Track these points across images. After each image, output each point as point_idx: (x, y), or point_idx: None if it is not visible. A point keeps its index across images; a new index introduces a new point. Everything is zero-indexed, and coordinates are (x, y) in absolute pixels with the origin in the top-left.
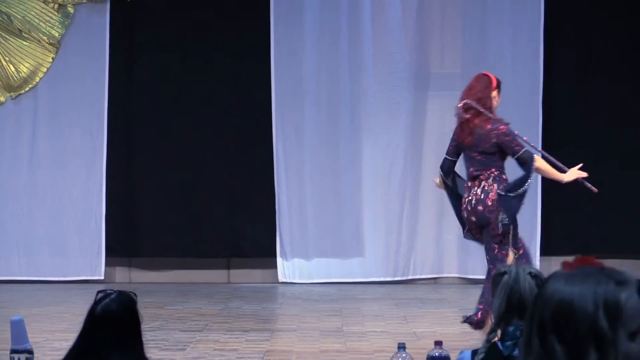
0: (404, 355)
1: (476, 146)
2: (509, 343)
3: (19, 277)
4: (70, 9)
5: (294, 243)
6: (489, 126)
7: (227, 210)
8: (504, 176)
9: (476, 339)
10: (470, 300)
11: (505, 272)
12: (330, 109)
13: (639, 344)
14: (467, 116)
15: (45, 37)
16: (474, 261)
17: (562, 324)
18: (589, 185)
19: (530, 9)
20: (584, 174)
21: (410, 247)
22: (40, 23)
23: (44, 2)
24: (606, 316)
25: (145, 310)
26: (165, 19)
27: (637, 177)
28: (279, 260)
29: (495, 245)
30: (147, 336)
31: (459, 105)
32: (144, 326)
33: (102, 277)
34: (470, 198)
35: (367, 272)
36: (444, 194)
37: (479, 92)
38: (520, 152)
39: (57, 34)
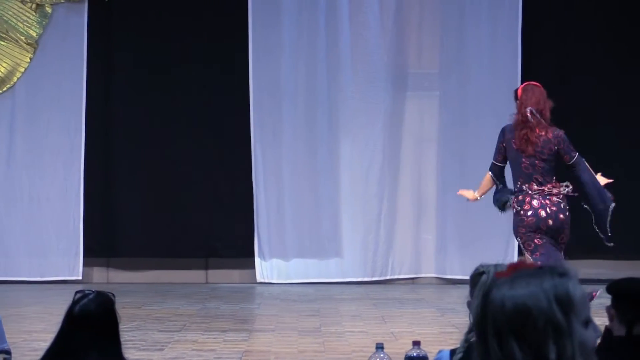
0: (382, 355)
1: (540, 154)
2: None
3: None
4: (48, 9)
5: (272, 243)
6: (551, 134)
7: (206, 210)
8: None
9: (454, 338)
10: (448, 300)
11: (483, 272)
12: (308, 110)
13: (592, 331)
14: (533, 121)
15: (22, 37)
16: (452, 261)
17: (520, 326)
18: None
19: (508, 9)
20: (610, 180)
21: (388, 247)
22: (18, 23)
23: (21, 2)
24: (560, 308)
25: (123, 310)
26: (143, 19)
27: (617, 177)
28: (257, 260)
29: (562, 253)
30: (125, 336)
31: (526, 112)
32: (122, 326)
33: (80, 278)
34: (546, 202)
35: (345, 272)
36: (421, 194)
37: (538, 102)
38: (576, 157)
39: (34, 34)
